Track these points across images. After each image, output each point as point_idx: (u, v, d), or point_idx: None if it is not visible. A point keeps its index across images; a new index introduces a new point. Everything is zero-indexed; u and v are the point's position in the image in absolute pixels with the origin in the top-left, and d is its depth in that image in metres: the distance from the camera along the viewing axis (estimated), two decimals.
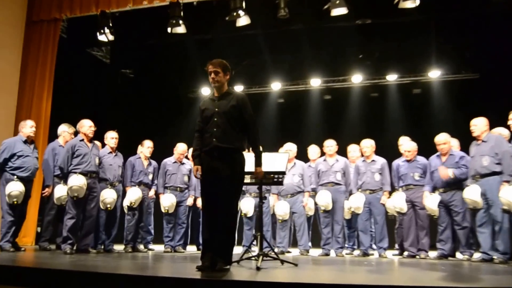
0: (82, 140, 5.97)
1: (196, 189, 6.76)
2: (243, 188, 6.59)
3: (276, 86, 10.00)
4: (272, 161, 4.91)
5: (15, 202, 5.81)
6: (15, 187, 5.84)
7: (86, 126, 6.07)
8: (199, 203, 6.57)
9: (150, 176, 6.90)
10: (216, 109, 4.11)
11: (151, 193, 6.74)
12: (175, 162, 6.90)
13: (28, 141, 6.15)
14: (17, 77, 7.78)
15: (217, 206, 3.99)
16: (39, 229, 6.99)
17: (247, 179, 4.74)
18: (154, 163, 7.08)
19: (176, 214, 6.79)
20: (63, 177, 6.03)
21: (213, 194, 4.05)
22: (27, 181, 5.99)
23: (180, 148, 7.02)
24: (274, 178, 4.91)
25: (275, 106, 10.05)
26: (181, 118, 9.77)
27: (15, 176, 5.89)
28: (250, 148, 4.14)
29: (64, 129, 6.73)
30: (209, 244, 4.04)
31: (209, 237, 4.06)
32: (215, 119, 4.07)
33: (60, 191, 6.21)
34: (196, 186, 6.76)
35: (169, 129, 9.39)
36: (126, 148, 7.17)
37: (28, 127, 6.20)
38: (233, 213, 4.04)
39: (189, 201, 6.97)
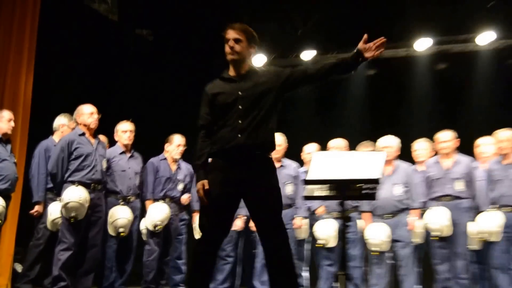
0: (83, 134, 6.09)
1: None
2: (313, 206, 6.78)
3: None
4: (360, 164, 4.77)
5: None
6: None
7: (86, 113, 6.16)
8: (252, 225, 6.56)
9: (181, 186, 6.99)
10: (240, 93, 4.19)
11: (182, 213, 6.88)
12: None
13: (3, 140, 6.27)
14: None
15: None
16: (18, 267, 7.13)
17: (324, 191, 4.69)
18: (186, 167, 7.16)
19: None
20: (56, 188, 6.15)
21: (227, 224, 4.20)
22: (4, 196, 6.12)
23: None
24: (363, 190, 4.75)
25: (362, 80, 10.01)
26: None
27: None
28: None
29: (62, 122, 6.87)
30: None
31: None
32: (239, 106, 4.15)
33: (56, 211, 6.30)
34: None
35: None
36: (147, 146, 7.31)
37: (4, 121, 6.29)
38: (289, 247, 4.13)
39: (238, 224, 7.00)
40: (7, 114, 6.31)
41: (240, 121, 4.13)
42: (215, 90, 4.26)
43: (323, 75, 4.19)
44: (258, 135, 4.12)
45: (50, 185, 6.37)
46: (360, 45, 4.10)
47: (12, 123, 6.29)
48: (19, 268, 7.12)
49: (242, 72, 4.26)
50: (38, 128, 6.98)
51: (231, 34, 4.22)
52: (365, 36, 4.04)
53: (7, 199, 6.18)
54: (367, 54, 4.08)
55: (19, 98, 7.67)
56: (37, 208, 6.49)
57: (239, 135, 4.11)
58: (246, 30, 4.25)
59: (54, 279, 5.79)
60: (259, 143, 4.13)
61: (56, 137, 6.76)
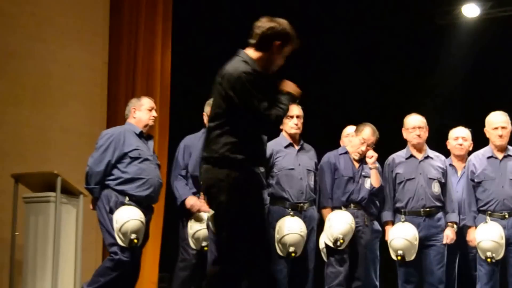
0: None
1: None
2: None
3: None
4: None
5: (135, 242, 5.38)
6: (132, 215, 5.39)
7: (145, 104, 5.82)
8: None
9: (368, 186, 6.10)
10: None
11: None
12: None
13: (144, 134, 5.73)
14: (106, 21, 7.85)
15: None
16: None
17: None
18: None
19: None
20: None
21: None
22: (145, 207, 5.58)
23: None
24: None
25: None
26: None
27: (127, 198, 5.43)
28: None
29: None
30: None
31: None
32: None
33: (196, 223, 5.87)
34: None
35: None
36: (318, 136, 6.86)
37: (144, 110, 5.75)
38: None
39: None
40: (147, 102, 5.79)
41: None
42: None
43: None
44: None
45: (194, 189, 5.93)
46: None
47: (154, 113, 5.81)
48: None
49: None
50: (183, 119, 6.62)
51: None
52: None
53: (149, 211, 5.67)
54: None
55: (155, 83, 7.78)
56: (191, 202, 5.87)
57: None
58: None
59: None
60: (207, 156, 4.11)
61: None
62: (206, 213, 5.53)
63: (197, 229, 5.69)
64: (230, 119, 4.00)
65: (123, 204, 5.38)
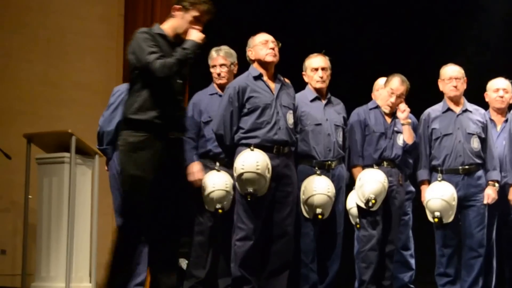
0: (259, 77, 5.35)
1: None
2: None
3: None
4: None
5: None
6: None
7: (259, 43, 5.39)
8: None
9: (401, 142, 5.88)
10: None
11: None
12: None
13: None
14: None
15: None
16: (183, 263, 6.79)
17: None
18: None
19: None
20: (226, 154, 5.52)
21: None
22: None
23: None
24: None
25: None
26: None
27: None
28: None
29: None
30: None
31: None
32: None
33: (214, 182, 5.59)
34: None
35: None
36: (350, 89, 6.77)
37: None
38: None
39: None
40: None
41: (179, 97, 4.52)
42: None
43: None
44: None
45: (203, 148, 5.73)
46: None
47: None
48: (184, 264, 6.83)
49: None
50: (202, 74, 6.15)
51: None
52: None
53: None
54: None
55: None
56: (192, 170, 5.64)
57: None
58: None
59: (234, 281, 5.24)
60: None
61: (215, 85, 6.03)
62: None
63: (210, 190, 5.51)
64: (135, 81, 4.26)
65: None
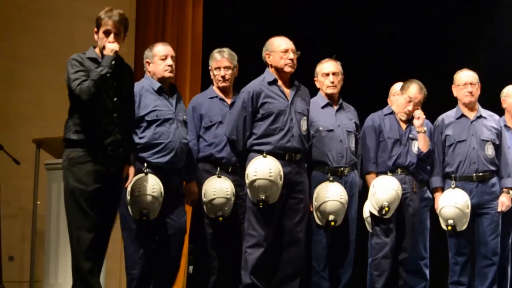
0: (273, 82, 5.30)
1: None
2: None
3: None
4: None
5: (144, 218, 5.18)
6: (148, 186, 5.19)
7: (278, 50, 5.30)
8: None
9: (416, 150, 5.84)
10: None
11: None
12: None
13: (165, 88, 5.43)
14: None
15: None
16: (190, 268, 6.83)
17: None
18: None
19: None
20: (238, 160, 5.45)
21: None
22: (170, 172, 5.30)
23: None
24: None
25: None
26: None
27: (145, 165, 5.21)
28: None
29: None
30: None
31: None
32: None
33: (212, 189, 5.49)
34: None
35: None
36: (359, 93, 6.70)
37: (158, 61, 5.41)
38: None
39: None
40: (159, 50, 5.38)
41: (115, 115, 4.60)
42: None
43: None
44: None
45: (204, 153, 5.62)
46: None
47: (170, 61, 5.43)
48: (191, 270, 6.96)
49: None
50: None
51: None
52: None
53: (174, 177, 5.32)
54: None
55: (185, 39, 7.73)
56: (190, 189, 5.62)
57: None
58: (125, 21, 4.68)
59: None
60: None
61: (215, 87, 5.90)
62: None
63: (210, 198, 5.43)
64: (71, 103, 4.53)
65: (140, 172, 5.16)
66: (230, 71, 5.59)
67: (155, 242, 5.32)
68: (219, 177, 5.37)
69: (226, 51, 5.65)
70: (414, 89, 5.65)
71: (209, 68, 5.68)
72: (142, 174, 5.15)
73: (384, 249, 5.58)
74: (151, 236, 5.24)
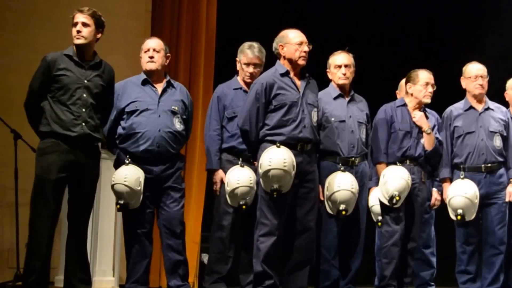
0: (286, 74, 5.20)
1: None
2: None
3: None
4: None
5: (118, 206, 5.22)
6: (117, 177, 5.20)
7: (293, 43, 5.20)
8: None
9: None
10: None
11: None
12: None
13: (151, 80, 5.37)
14: None
15: None
16: (206, 258, 6.69)
17: None
18: (434, 115, 5.93)
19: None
20: (250, 150, 5.34)
21: None
22: (151, 162, 5.23)
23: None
24: None
25: None
26: None
27: (127, 156, 5.23)
28: None
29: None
30: None
31: None
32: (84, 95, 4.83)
33: (235, 178, 5.40)
34: None
35: None
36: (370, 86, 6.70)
37: (142, 55, 5.43)
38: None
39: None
40: (144, 44, 5.38)
41: (83, 110, 4.70)
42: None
43: None
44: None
45: (227, 144, 5.56)
46: None
47: (151, 53, 5.38)
48: (205, 259, 6.83)
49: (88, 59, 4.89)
50: (229, 69, 5.99)
51: (79, 16, 4.80)
52: None
53: (156, 167, 5.25)
54: None
55: (200, 31, 7.63)
56: (215, 178, 5.56)
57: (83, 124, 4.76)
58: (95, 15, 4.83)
59: (256, 276, 5.11)
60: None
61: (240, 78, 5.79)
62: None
63: (234, 186, 5.39)
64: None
65: (122, 162, 5.17)
66: (258, 69, 5.55)
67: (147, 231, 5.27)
68: (241, 166, 5.30)
69: (256, 47, 5.59)
70: (425, 72, 5.60)
71: (237, 59, 5.60)
72: (123, 165, 5.14)
73: (394, 237, 5.52)
74: (138, 225, 5.17)
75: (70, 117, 4.65)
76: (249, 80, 5.50)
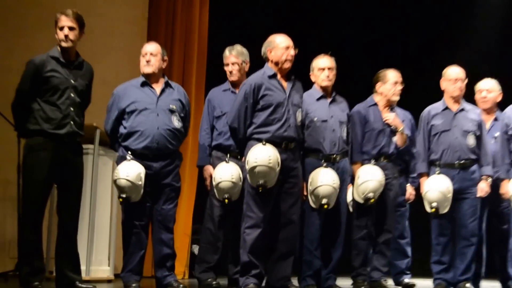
0: (273, 76, 5.26)
1: None
2: None
3: None
4: None
5: (121, 200, 5.24)
6: (120, 173, 5.18)
7: (280, 47, 5.26)
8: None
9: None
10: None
11: None
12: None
13: (150, 82, 5.43)
14: None
15: None
16: (196, 249, 6.67)
17: None
18: (404, 114, 6.15)
19: None
20: (238, 147, 5.41)
21: None
22: (151, 159, 5.26)
23: None
24: None
25: None
26: None
27: (129, 152, 5.25)
28: None
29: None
30: None
31: None
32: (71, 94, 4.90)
33: (223, 173, 5.47)
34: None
35: None
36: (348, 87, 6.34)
37: (141, 57, 5.41)
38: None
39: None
40: (142, 49, 5.41)
41: (72, 109, 4.80)
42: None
43: None
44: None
45: (216, 141, 5.72)
46: None
47: (148, 57, 5.39)
48: (196, 250, 6.89)
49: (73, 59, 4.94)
50: (220, 73, 6.01)
51: (65, 20, 4.84)
52: None
53: (155, 162, 5.27)
54: None
55: (192, 36, 7.62)
56: (204, 174, 5.74)
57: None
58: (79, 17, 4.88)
59: (243, 266, 5.18)
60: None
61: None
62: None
63: (217, 181, 5.47)
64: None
65: (124, 158, 5.18)
66: (237, 67, 5.58)
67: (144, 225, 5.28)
68: (227, 162, 5.37)
69: (235, 48, 5.66)
70: (393, 72, 5.69)
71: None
72: (125, 161, 5.15)
73: (363, 231, 5.63)
74: (137, 218, 5.17)
75: (59, 116, 4.74)
76: (231, 79, 5.60)
